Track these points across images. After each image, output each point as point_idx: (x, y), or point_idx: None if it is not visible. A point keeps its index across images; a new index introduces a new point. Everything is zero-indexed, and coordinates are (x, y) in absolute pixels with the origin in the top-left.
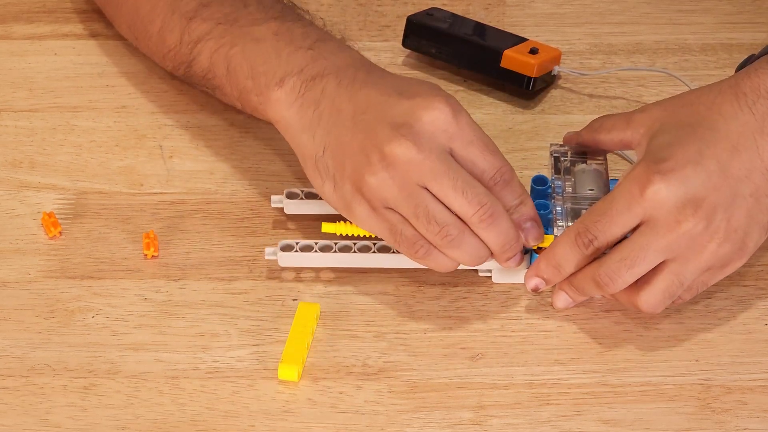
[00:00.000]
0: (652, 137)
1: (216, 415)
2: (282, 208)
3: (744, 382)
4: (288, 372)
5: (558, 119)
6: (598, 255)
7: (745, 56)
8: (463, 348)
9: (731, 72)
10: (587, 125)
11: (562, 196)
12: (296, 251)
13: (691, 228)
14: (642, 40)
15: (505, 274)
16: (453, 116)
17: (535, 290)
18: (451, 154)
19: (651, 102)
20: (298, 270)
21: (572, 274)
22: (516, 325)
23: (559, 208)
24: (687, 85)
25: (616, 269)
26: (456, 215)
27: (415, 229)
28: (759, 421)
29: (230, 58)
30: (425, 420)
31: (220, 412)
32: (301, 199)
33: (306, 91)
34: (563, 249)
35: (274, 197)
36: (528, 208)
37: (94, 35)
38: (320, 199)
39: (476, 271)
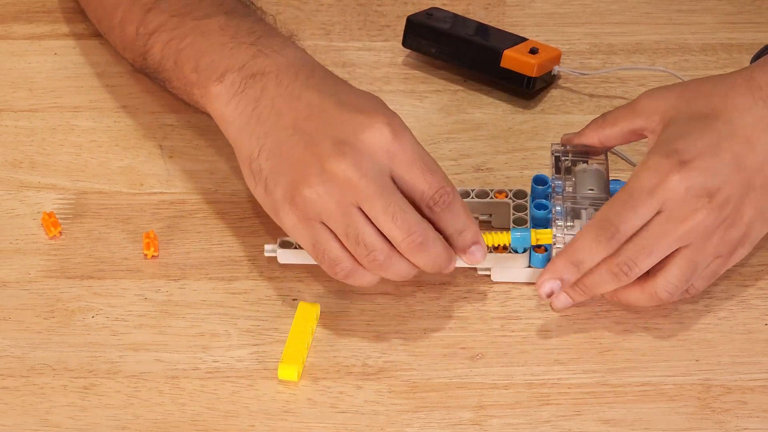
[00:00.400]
0: (668, 125)
1: (216, 415)
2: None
3: (744, 382)
4: (288, 372)
5: (558, 119)
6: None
7: (745, 56)
8: (463, 348)
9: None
10: (587, 125)
11: (562, 195)
12: (295, 247)
13: (703, 218)
14: (642, 40)
15: (505, 273)
16: (394, 137)
17: (550, 295)
18: (392, 176)
19: (645, 91)
20: (298, 270)
21: None
22: (516, 325)
23: (558, 208)
24: None
25: (634, 258)
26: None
27: (343, 247)
28: (759, 421)
29: (179, 51)
30: (425, 420)
31: (220, 412)
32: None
33: (246, 88)
34: (585, 244)
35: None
36: (471, 234)
37: (94, 35)
38: None
39: (475, 269)
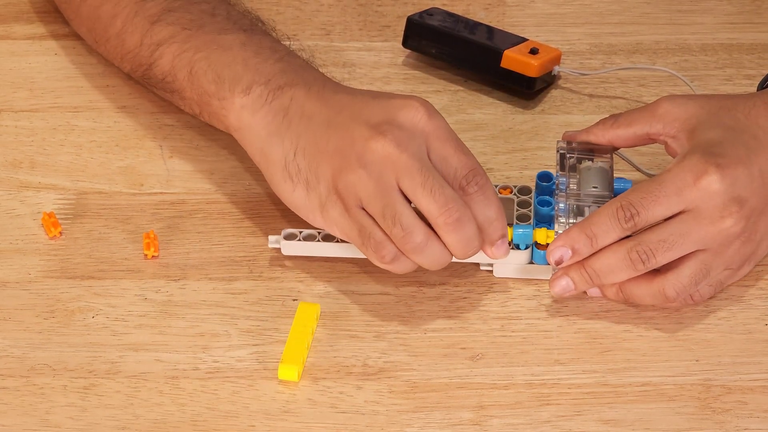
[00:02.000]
0: (694, 131)
1: (216, 415)
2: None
3: (744, 382)
4: (288, 372)
5: (558, 119)
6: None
7: (745, 56)
8: (463, 348)
9: (731, 72)
10: (596, 124)
11: (566, 193)
12: (299, 240)
13: (731, 225)
14: (642, 40)
15: (507, 269)
16: (429, 116)
17: (559, 262)
18: (428, 154)
19: (665, 96)
20: (298, 270)
21: (591, 255)
22: (516, 325)
23: (562, 205)
24: (687, 84)
25: (654, 249)
26: (424, 220)
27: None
28: (759, 421)
29: (194, 62)
30: (425, 420)
31: (220, 412)
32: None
33: (273, 99)
34: (602, 219)
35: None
36: (501, 226)
37: None
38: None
39: (477, 265)
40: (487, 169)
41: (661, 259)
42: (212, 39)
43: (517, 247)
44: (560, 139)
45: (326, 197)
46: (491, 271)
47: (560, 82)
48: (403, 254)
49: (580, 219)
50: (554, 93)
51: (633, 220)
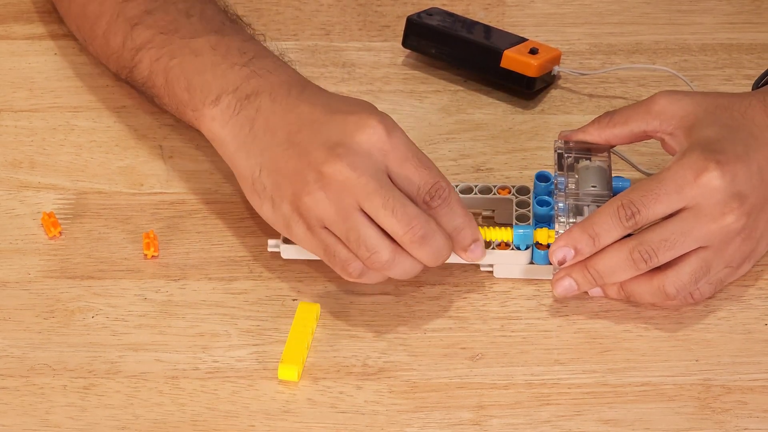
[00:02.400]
0: (692, 128)
1: (216, 415)
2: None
3: (744, 382)
4: (288, 372)
5: (558, 119)
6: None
7: (745, 56)
8: (463, 348)
9: (731, 72)
10: (592, 122)
11: (565, 192)
12: None
13: (732, 222)
14: (642, 40)
15: (508, 269)
16: (387, 134)
17: (562, 262)
18: (387, 173)
19: (661, 92)
20: (298, 270)
21: (593, 256)
22: (516, 325)
23: (561, 205)
24: (687, 84)
25: (656, 248)
26: (388, 235)
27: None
28: (759, 421)
29: (169, 70)
30: (425, 420)
31: (220, 412)
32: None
33: (241, 110)
34: (602, 218)
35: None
36: (471, 231)
37: None
38: None
39: (478, 266)
40: (487, 169)
41: (663, 258)
42: (185, 44)
43: (518, 248)
44: (557, 139)
45: (290, 216)
46: (491, 272)
47: (560, 82)
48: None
49: (579, 218)
50: (554, 93)
51: (634, 218)
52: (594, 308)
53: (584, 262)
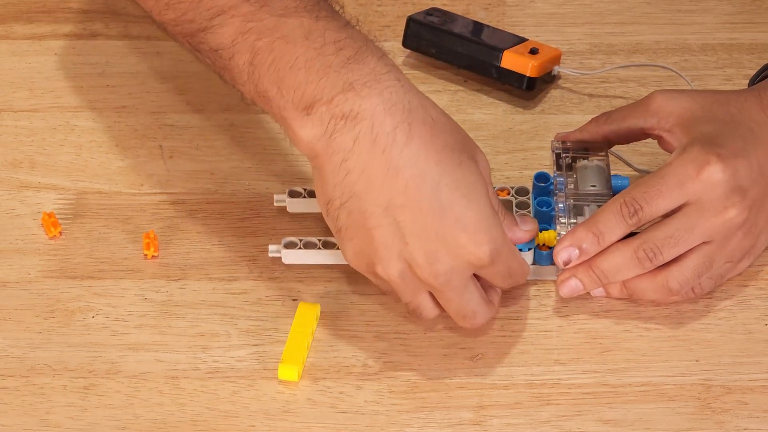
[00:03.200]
0: (690, 125)
1: (216, 415)
2: (284, 207)
3: (744, 382)
4: (288, 372)
5: (558, 119)
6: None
7: (745, 56)
8: (463, 348)
9: (731, 72)
10: (589, 122)
11: (565, 192)
12: (300, 248)
13: (734, 216)
14: (642, 40)
15: None
16: (490, 262)
17: (567, 262)
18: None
19: (657, 91)
20: (298, 270)
21: (597, 256)
22: (516, 325)
23: (561, 205)
24: (688, 83)
25: (660, 246)
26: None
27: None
28: (759, 421)
29: (256, 51)
30: (425, 420)
31: (220, 412)
32: (304, 197)
33: (335, 133)
34: (606, 216)
35: (276, 196)
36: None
37: (94, 35)
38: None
39: None
40: None
41: (668, 256)
42: (275, 24)
43: (520, 249)
44: (554, 139)
45: (347, 252)
46: None
47: (560, 82)
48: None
49: (580, 218)
50: (554, 93)
51: (637, 215)
52: (594, 308)
53: (589, 263)
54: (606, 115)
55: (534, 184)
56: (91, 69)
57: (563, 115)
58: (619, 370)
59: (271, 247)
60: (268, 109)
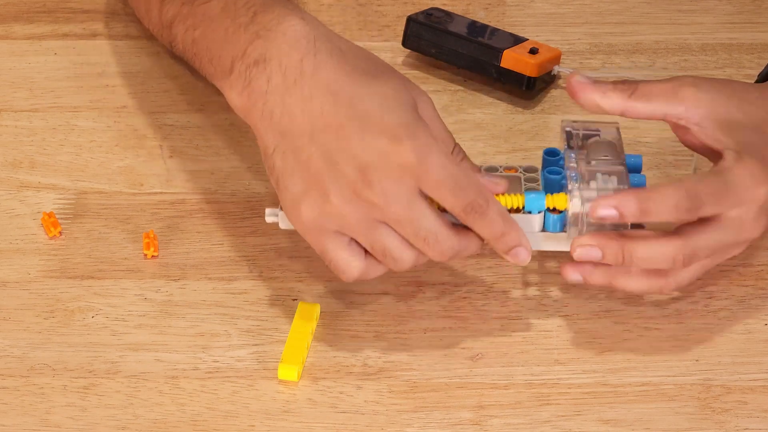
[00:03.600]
0: (730, 127)
1: (216, 415)
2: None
3: (744, 382)
4: (288, 372)
5: (558, 119)
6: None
7: (745, 56)
8: (463, 348)
9: (731, 72)
10: (614, 87)
11: (576, 160)
12: None
13: (756, 238)
14: (642, 40)
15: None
16: (419, 161)
17: (602, 219)
18: (421, 191)
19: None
20: (298, 270)
21: (635, 240)
22: (516, 325)
23: (573, 174)
24: None
25: (699, 255)
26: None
27: (353, 252)
28: (759, 421)
29: (195, 42)
30: (425, 420)
31: (220, 412)
32: None
33: (251, 81)
34: (662, 198)
35: (268, 210)
36: (511, 238)
37: (94, 35)
38: None
39: (478, 265)
40: None
41: (698, 264)
42: (203, 12)
43: (529, 212)
44: (564, 119)
45: (292, 205)
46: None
47: (560, 81)
48: (372, 266)
49: (593, 183)
50: (554, 93)
51: (693, 213)
52: (594, 308)
53: (622, 243)
54: (631, 87)
55: (544, 159)
56: (91, 69)
57: (563, 115)
58: (619, 370)
59: (268, 211)
60: (221, 90)
